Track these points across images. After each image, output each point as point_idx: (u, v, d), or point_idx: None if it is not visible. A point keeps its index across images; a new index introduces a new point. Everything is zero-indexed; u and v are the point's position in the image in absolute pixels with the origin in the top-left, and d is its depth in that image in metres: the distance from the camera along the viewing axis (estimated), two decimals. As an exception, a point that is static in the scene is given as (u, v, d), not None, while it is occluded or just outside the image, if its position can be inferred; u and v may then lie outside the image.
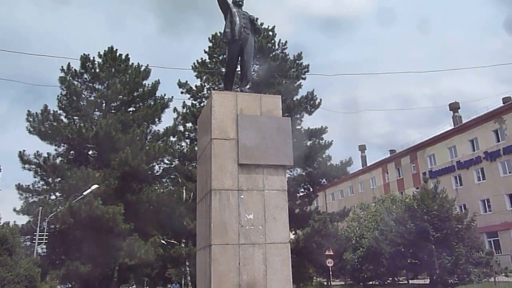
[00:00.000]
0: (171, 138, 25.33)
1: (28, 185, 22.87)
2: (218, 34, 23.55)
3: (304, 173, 24.57)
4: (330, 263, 22.20)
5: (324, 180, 25.37)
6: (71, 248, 21.59)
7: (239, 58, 7.44)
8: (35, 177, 23.08)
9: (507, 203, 34.52)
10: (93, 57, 25.10)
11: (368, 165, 55.02)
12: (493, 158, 35.61)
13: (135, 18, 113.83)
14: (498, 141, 35.58)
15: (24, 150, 22.54)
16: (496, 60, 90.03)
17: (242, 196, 6.23)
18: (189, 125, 24.64)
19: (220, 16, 7.56)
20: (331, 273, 23.49)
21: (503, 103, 36.97)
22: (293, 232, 23.69)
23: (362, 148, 59.73)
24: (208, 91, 23.72)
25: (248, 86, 7.44)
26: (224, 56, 7.51)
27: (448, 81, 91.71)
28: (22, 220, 24.08)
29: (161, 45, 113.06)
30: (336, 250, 22.87)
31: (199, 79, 25.26)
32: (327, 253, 22.06)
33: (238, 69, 7.82)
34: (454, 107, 44.28)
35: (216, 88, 22.51)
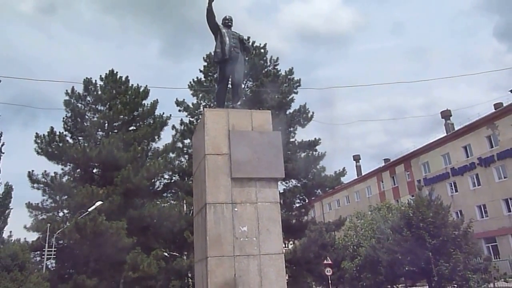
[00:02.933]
0: (171, 155, 26.17)
1: (37, 203, 23.83)
2: (212, 54, 24.10)
3: (299, 185, 24.83)
4: (328, 272, 22.22)
5: (319, 190, 25.66)
6: (78, 263, 22.29)
7: (230, 76, 7.72)
8: (43, 196, 24.01)
9: (503, 208, 34.59)
10: (95, 80, 26.24)
11: (363, 174, 55.25)
12: (487, 164, 35.82)
13: (136, 43, 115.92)
14: (492, 147, 35.79)
15: (32, 170, 23.51)
16: (486, 67, 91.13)
17: (236, 209, 6.40)
18: (187, 141, 25.38)
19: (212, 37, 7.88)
20: (330, 282, 23.50)
21: (495, 109, 37.31)
22: (291, 243, 23.82)
23: (357, 158, 60.00)
24: (204, 109, 24.22)
25: (239, 103, 7.70)
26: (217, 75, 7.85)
27: (440, 90, 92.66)
28: (32, 236, 25.51)
29: (159, 67, 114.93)
30: (334, 259, 22.92)
31: (195, 97, 26.09)
32: (325, 262, 22.11)
33: (230, 86, 8.11)
34: (446, 114, 44.73)
35: (211, 105, 23.01)
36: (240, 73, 7.75)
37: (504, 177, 34.68)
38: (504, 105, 36.37)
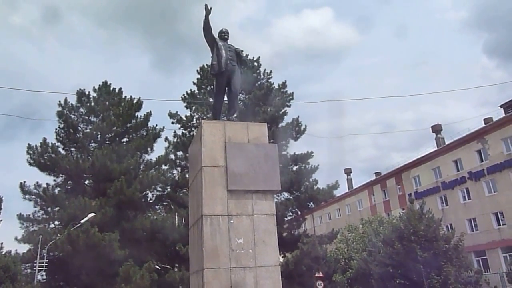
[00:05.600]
0: (163, 167, 26.12)
1: (29, 215, 23.70)
2: (206, 67, 24.57)
3: (291, 197, 24.86)
4: (320, 285, 22.15)
5: (311, 203, 25.67)
6: (70, 275, 22.10)
7: (226, 89, 7.76)
8: (35, 207, 23.91)
9: (493, 221, 34.77)
10: (89, 92, 26.24)
11: (354, 188, 55.43)
12: (477, 177, 36.12)
13: (130, 56, 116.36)
14: (482, 161, 36.09)
15: (24, 181, 23.43)
16: (476, 83, 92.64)
17: (232, 221, 6.41)
18: (180, 153, 25.28)
19: (208, 50, 7.94)
20: (321, 295, 23.43)
21: (485, 123, 37.74)
22: (283, 256, 23.74)
23: (348, 172, 60.22)
24: (197, 121, 24.35)
25: (235, 115, 7.70)
26: (212, 87, 7.91)
27: (429, 105, 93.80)
28: (23, 248, 25.43)
29: (153, 80, 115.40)
30: (325, 272, 22.88)
31: (188, 110, 26.05)
32: (316, 275, 22.07)
33: (226, 99, 8.16)
34: (437, 129, 45.20)
35: (204, 117, 23.06)
36: (236, 86, 7.79)
37: (494, 191, 34.92)
38: (494, 119, 36.86)
